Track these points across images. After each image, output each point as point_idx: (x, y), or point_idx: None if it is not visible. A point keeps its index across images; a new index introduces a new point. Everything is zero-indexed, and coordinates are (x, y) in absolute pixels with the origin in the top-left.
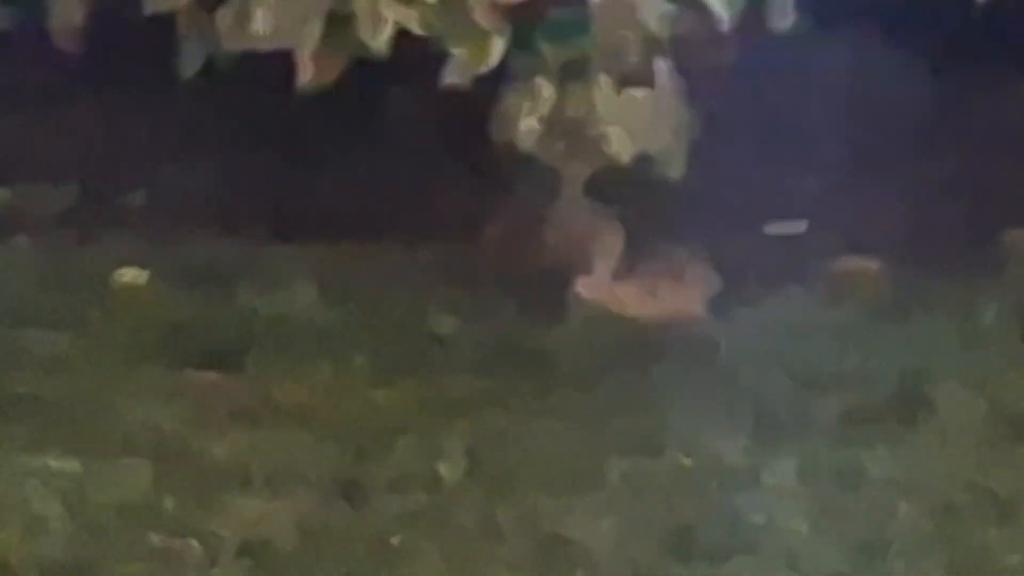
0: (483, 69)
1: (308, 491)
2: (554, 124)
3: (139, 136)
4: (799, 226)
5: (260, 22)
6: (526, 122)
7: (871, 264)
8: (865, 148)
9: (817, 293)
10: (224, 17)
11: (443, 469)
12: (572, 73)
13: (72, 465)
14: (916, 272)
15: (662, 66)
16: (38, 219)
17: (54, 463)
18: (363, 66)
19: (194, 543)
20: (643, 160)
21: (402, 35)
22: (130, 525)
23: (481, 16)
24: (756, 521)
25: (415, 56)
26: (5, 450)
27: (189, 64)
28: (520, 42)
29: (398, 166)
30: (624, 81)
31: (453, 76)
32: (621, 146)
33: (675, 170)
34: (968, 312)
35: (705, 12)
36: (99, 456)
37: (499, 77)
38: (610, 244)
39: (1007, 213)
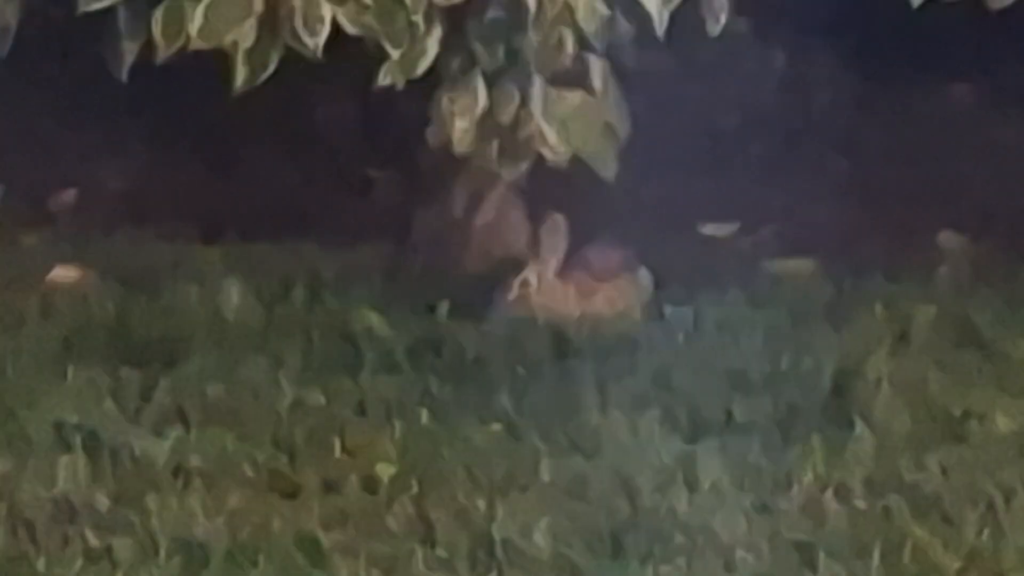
0: (418, 70)
1: (241, 489)
2: (488, 125)
3: (70, 135)
4: (733, 227)
5: (195, 21)
6: (461, 123)
7: (805, 265)
8: (800, 150)
9: (751, 294)
10: (160, 15)
11: (376, 469)
12: (506, 73)
13: (6, 462)
14: (850, 273)
15: (597, 67)
16: None
17: None
18: (298, 66)
19: (128, 541)
20: (576, 161)
21: (336, 36)
22: (64, 523)
23: (417, 17)
24: (689, 522)
25: (349, 57)
26: None
27: (123, 64)
28: (455, 43)
29: (331, 167)
30: (558, 82)
31: (388, 77)
32: (555, 147)
33: (608, 171)
34: (901, 313)
35: (640, 14)
36: (34, 454)
37: (433, 78)
38: (549, 244)
39: (941, 215)
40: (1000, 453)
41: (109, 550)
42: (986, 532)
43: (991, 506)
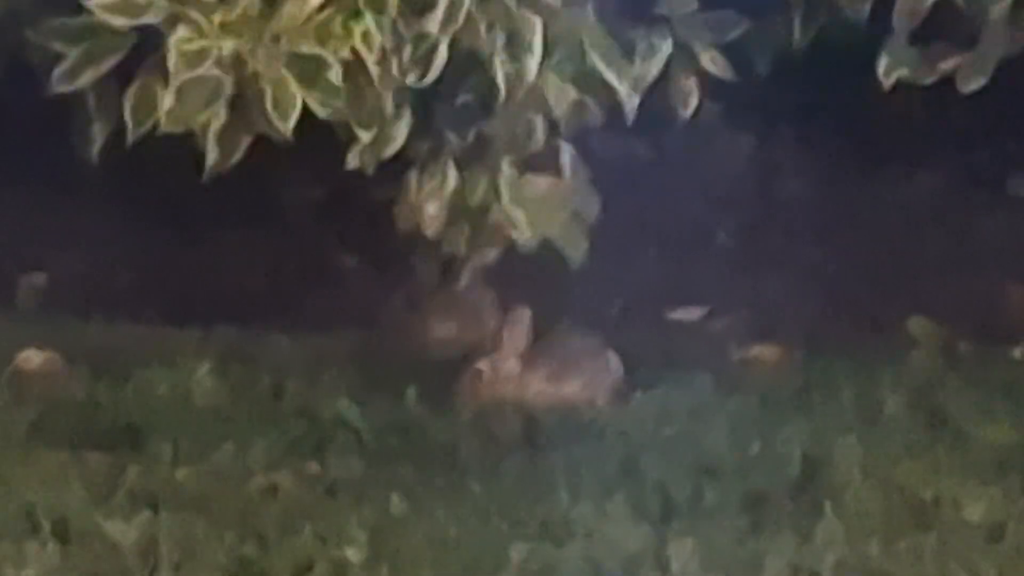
0: (387, 153)
1: (211, 575)
2: (458, 209)
3: (39, 218)
4: (701, 312)
5: (166, 104)
6: (430, 207)
7: (774, 350)
8: (768, 235)
9: (719, 379)
10: (130, 98)
11: (346, 554)
12: (476, 157)
13: None
14: (819, 358)
15: (566, 151)
16: None
17: None
18: (267, 150)
19: None
20: (545, 245)
21: (307, 118)
22: None
23: (386, 100)
24: None
25: (319, 140)
26: None
27: (93, 146)
28: (424, 126)
29: (300, 250)
30: (528, 166)
31: (357, 160)
32: (525, 231)
33: (576, 255)
34: (871, 399)
35: (610, 99)
36: (3, 538)
37: (403, 162)
38: (516, 330)
39: (910, 300)
40: (971, 540)
41: None
42: None
43: None
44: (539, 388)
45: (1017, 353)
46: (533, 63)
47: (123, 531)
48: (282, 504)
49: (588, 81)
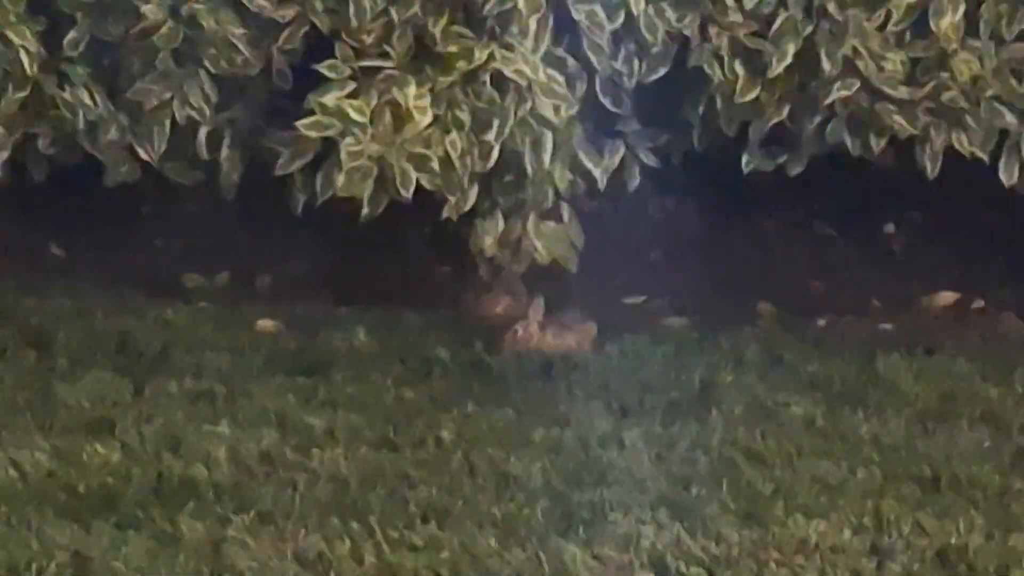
0: (464, 208)
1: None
2: (504, 240)
3: (266, 239)
4: (641, 299)
5: (340, 181)
6: (488, 239)
7: (682, 322)
8: (681, 248)
9: (652, 338)
10: (320, 178)
11: (442, 433)
12: (515, 211)
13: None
14: (710, 325)
15: (565, 208)
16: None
17: None
18: (395, 207)
19: None
20: (554, 260)
21: (419, 189)
22: None
23: (464, 178)
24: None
25: (427, 201)
26: None
27: (299, 204)
28: (484, 193)
29: (421, 262)
30: (544, 216)
31: (447, 212)
32: (542, 253)
33: (571, 266)
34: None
35: (590, 177)
36: (243, 429)
37: (473, 212)
38: (536, 309)
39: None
40: None
41: None
42: None
43: None
44: (551, 342)
45: None
46: (547, 158)
47: (315, 422)
48: (411, 403)
49: (578, 168)
